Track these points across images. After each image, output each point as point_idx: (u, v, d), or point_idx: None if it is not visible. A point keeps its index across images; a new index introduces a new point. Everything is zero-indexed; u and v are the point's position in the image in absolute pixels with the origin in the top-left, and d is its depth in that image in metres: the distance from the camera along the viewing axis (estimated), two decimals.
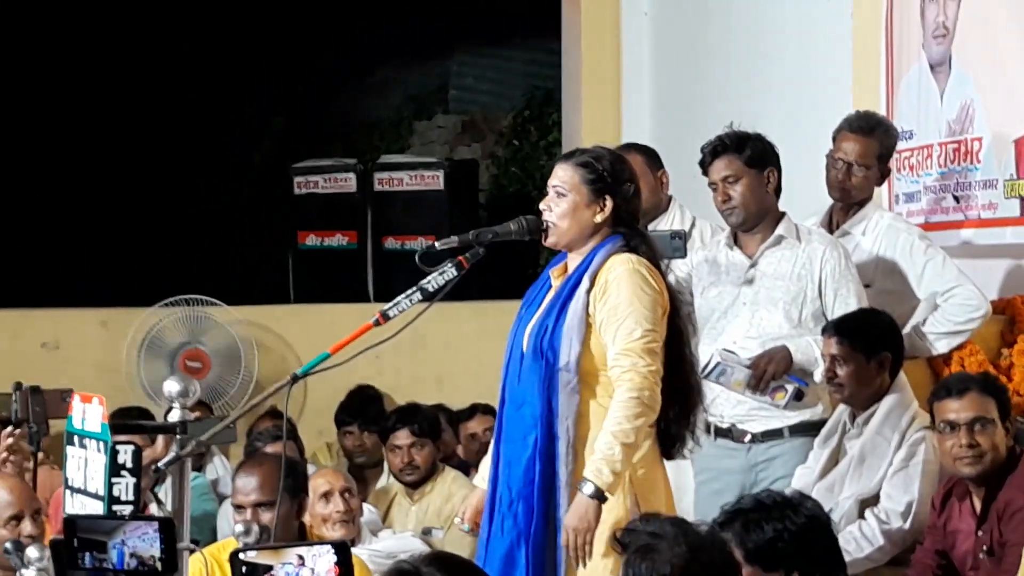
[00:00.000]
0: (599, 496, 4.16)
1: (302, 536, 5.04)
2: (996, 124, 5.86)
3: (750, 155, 5.24)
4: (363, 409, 7.57)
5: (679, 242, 4.79)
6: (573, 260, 4.43)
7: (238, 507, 5.06)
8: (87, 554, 3.01)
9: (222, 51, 11.08)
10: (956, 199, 6.06)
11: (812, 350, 5.17)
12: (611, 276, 4.29)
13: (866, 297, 5.25)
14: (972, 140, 5.98)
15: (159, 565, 2.98)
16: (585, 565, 4.18)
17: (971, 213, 5.99)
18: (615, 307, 4.26)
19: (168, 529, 2.99)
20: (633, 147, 5.94)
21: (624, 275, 4.28)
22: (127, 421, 5.64)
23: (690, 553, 3.29)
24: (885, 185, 6.32)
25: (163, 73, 10.89)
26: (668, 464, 4.51)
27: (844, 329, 5.07)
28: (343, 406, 7.68)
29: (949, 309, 5.42)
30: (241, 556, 3.03)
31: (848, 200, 5.59)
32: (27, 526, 4.85)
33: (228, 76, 11.15)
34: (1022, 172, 5.71)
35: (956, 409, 4.62)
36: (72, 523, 3.04)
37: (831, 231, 5.55)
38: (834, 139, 5.61)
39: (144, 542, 3.00)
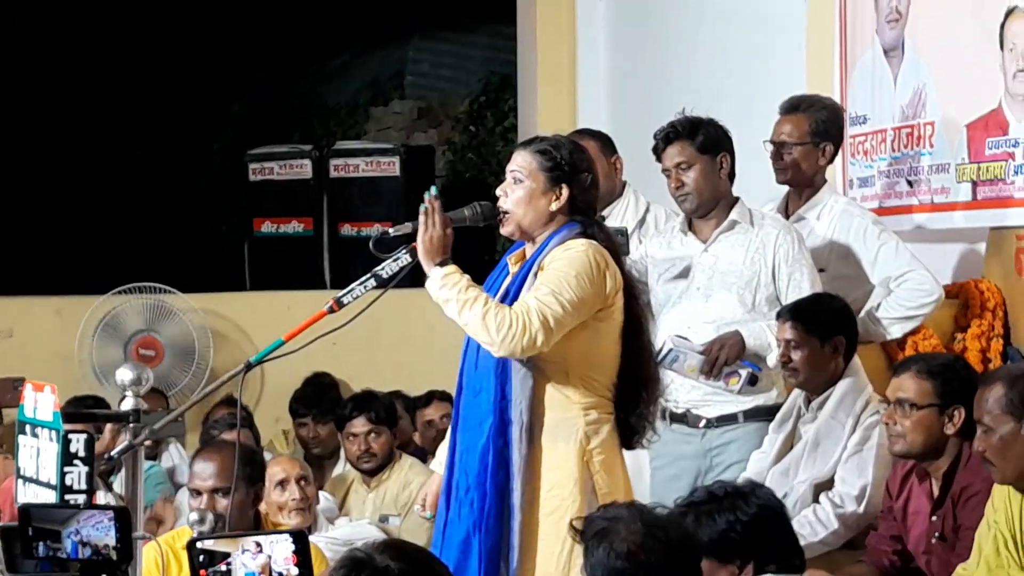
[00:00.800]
0: (439, 267, 4.23)
1: (258, 525, 5.03)
2: (948, 109, 5.89)
3: (702, 141, 5.25)
4: (317, 399, 7.54)
5: (622, 239, 4.80)
6: (530, 248, 4.43)
7: (195, 492, 5.05)
8: (41, 543, 2.99)
9: (179, 38, 11.04)
10: (909, 183, 6.09)
11: (765, 335, 5.18)
12: (559, 253, 4.28)
13: (820, 281, 5.27)
14: (924, 124, 6.01)
15: (114, 554, 2.96)
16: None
17: (924, 197, 6.01)
18: (544, 271, 4.26)
19: (123, 518, 2.98)
20: (587, 132, 5.95)
21: (568, 254, 4.26)
22: (80, 410, 5.63)
23: (646, 530, 3.31)
24: (839, 170, 6.36)
25: (120, 61, 10.84)
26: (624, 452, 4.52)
27: (798, 313, 5.08)
28: (297, 396, 7.65)
29: (902, 294, 5.45)
30: (199, 544, 3.02)
31: (792, 181, 5.60)
32: None
33: (185, 63, 11.11)
34: (973, 156, 5.74)
35: (891, 386, 4.64)
36: (26, 512, 3.03)
37: (787, 217, 5.57)
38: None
39: (99, 531, 2.99)
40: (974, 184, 5.73)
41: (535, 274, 4.30)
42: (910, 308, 5.44)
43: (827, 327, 5.07)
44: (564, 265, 4.24)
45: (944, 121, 5.89)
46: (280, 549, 3.00)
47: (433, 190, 4.31)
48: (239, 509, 4.85)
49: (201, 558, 3.00)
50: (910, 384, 4.57)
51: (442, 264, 4.26)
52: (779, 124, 5.61)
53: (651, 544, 3.30)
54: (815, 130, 5.55)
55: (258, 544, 3.00)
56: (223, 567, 2.99)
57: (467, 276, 4.26)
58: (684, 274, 5.33)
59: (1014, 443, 4.06)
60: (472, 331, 4.24)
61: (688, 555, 3.37)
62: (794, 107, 5.62)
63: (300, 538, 3.01)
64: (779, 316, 5.13)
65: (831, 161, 5.64)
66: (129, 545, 3.00)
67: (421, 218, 4.27)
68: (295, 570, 3.00)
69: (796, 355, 5.06)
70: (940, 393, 4.53)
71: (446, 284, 4.23)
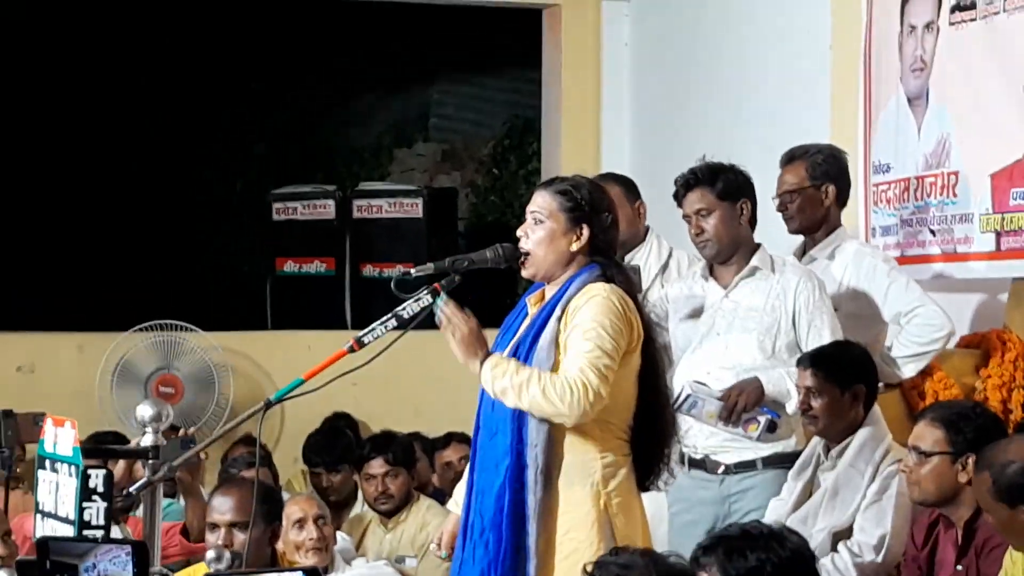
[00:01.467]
0: (486, 360, 4.22)
1: (274, 563, 5.02)
2: (972, 158, 5.89)
3: (723, 188, 5.25)
4: (329, 447, 7.44)
5: (635, 276, 4.79)
6: (550, 289, 4.43)
7: (212, 526, 5.06)
8: None
9: (204, 77, 11.09)
10: (932, 232, 6.08)
11: (784, 382, 5.17)
12: (582, 302, 4.28)
13: (840, 329, 5.26)
14: (948, 174, 6.01)
15: None
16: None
17: (948, 247, 6.00)
18: (577, 326, 4.25)
19: (141, 553, 2.98)
20: (611, 177, 5.96)
21: (594, 301, 4.27)
22: (101, 446, 5.63)
23: None
24: (861, 218, 6.36)
25: (144, 99, 10.89)
26: (644, 496, 4.50)
27: (819, 361, 5.08)
28: (309, 444, 7.59)
29: (912, 330, 5.44)
30: None
31: (803, 229, 5.62)
32: None
33: (209, 102, 11.15)
34: (997, 206, 5.73)
35: (911, 435, 4.64)
36: (45, 545, 3.03)
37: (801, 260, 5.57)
38: None
39: (116, 566, 2.99)
40: (998, 234, 5.72)
41: (558, 319, 4.30)
42: (921, 344, 5.43)
43: (847, 375, 5.06)
44: (596, 315, 4.23)
45: (968, 170, 5.89)
46: None
47: (442, 296, 4.31)
48: (256, 546, 4.85)
49: None
50: (924, 432, 4.57)
51: (485, 358, 4.25)
52: (780, 177, 5.65)
53: None
54: (813, 174, 5.58)
55: None
56: None
57: (513, 359, 4.24)
58: (697, 314, 5.33)
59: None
60: (538, 411, 4.20)
61: None
62: (791, 157, 5.66)
63: (312, 574, 3.00)
64: (799, 363, 5.12)
65: (840, 203, 5.63)
66: None
67: (444, 324, 4.27)
68: None
69: (816, 403, 5.05)
70: (953, 441, 4.52)
71: (496, 376, 4.22)
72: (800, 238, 5.70)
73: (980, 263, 5.84)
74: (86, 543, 3.05)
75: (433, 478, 7.52)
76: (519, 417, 4.27)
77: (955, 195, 5.95)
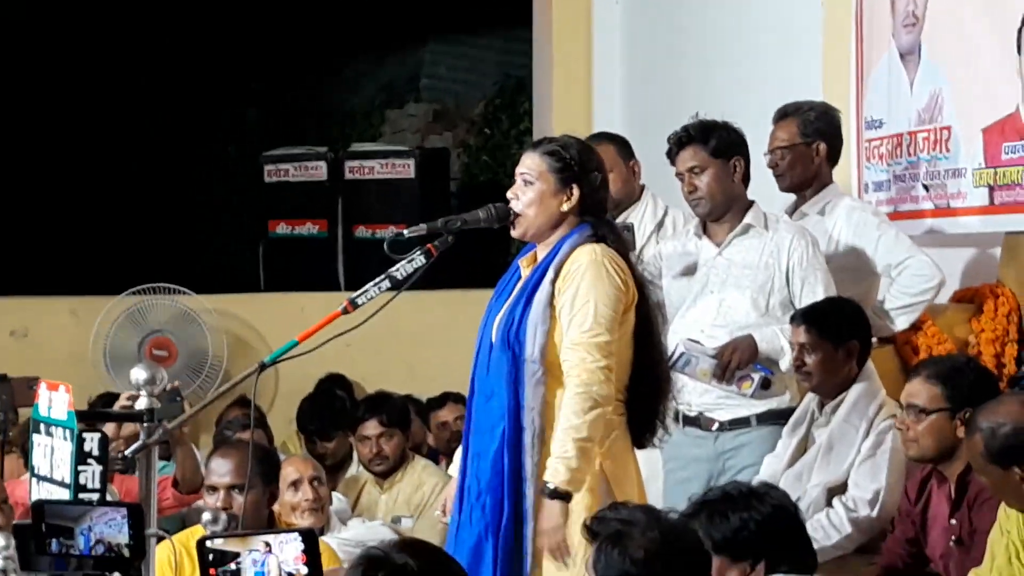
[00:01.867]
0: (559, 495, 4.17)
1: (272, 525, 5.04)
2: (964, 113, 5.88)
3: (715, 145, 5.25)
4: (323, 413, 7.42)
5: (628, 235, 4.79)
6: (542, 250, 4.43)
7: (211, 489, 5.08)
8: (54, 540, 2.99)
9: (195, 41, 11.04)
10: (926, 188, 6.08)
11: (778, 339, 5.18)
12: (575, 267, 4.28)
13: (834, 286, 5.26)
14: (941, 129, 6.00)
15: (127, 552, 2.96)
16: (566, 565, 4.18)
17: (940, 202, 6.00)
18: (572, 297, 4.25)
19: (137, 515, 2.98)
20: (605, 137, 5.96)
21: (587, 266, 4.27)
22: (97, 409, 5.64)
23: (662, 539, 3.29)
24: (854, 174, 6.36)
25: (136, 62, 10.85)
26: (638, 452, 4.51)
27: (812, 317, 5.08)
28: (302, 411, 7.57)
29: (903, 282, 5.45)
30: (208, 544, 3.02)
31: (793, 187, 5.61)
32: None
33: (201, 65, 11.11)
34: (990, 161, 5.73)
35: (904, 391, 4.64)
36: (40, 508, 3.03)
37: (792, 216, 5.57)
38: None
39: (112, 528, 2.98)
40: (991, 189, 5.72)
41: (551, 281, 4.30)
42: (912, 295, 5.44)
43: (841, 331, 5.07)
44: (590, 284, 4.24)
45: (961, 126, 5.88)
46: (289, 548, 3.00)
47: None
48: (254, 507, 4.87)
49: (211, 557, 3.00)
50: (920, 389, 4.56)
51: (560, 495, 4.20)
52: (772, 134, 5.64)
53: (667, 552, 3.30)
54: (805, 131, 5.57)
55: (267, 544, 2.99)
56: (232, 566, 2.99)
57: (556, 465, 4.18)
58: (690, 271, 5.33)
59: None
60: (595, 428, 4.19)
61: (701, 563, 3.36)
62: (783, 114, 5.64)
63: (309, 537, 3.01)
64: (793, 320, 5.12)
65: (831, 160, 5.61)
66: (142, 542, 3.00)
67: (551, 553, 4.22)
68: (304, 569, 2.99)
69: (810, 359, 5.06)
70: (950, 397, 4.52)
71: (570, 468, 4.17)
72: (792, 196, 5.69)
73: (973, 218, 5.85)
74: (81, 506, 3.05)
75: (428, 438, 7.52)
76: (516, 381, 4.28)
77: (948, 150, 5.95)
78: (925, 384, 4.56)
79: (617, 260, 4.31)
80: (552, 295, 4.29)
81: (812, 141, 5.56)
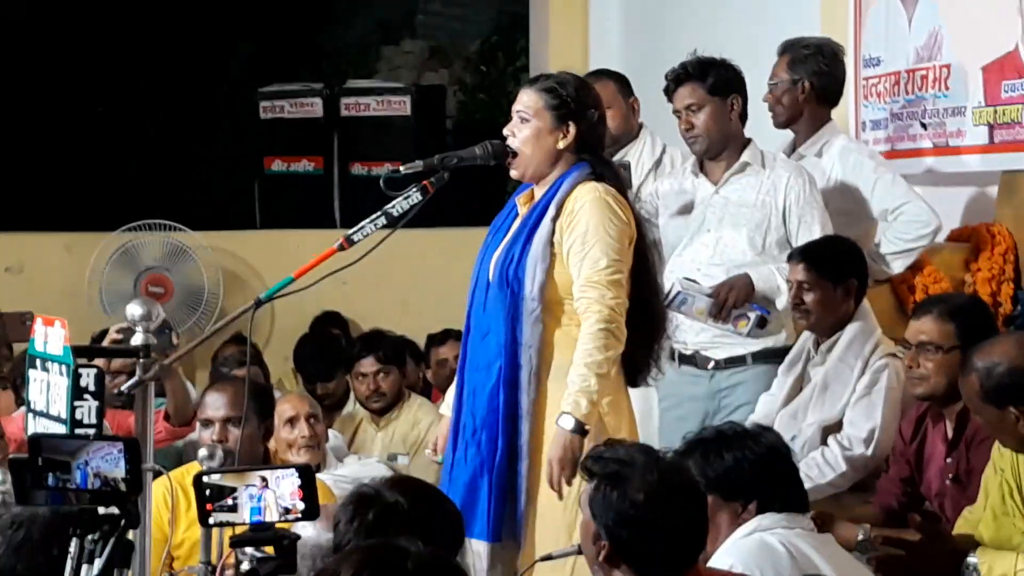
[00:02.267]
0: (579, 429, 4.15)
1: (267, 461, 5.05)
2: (963, 51, 5.85)
3: (713, 83, 5.22)
4: (320, 355, 7.39)
5: (625, 173, 4.78)
6: (539, 188, 4.41)
7: (207, 422, 5.08)
8: (50, 474, 2.99)
9: None
10: (924, 126, 6.06)
11: (774, 278, 5.18)
12: (578, 204, 4.27)
13: (831, 224, 5.25)
14: (940, 67, 5.97)
15: (123, 486, 2.96)
16: (561, 496, 4.18)
17: (939, 140, 5.98)
18: (582, 235, 4.25)
19: (133, 449, 2.98)
20: (605, 73, 5.93)
21: (592, 204, 4.26)
22: (93, 345, 5.63)
23: (660, 480, 3.30)
24: (851, 112, 6.33)
25: (128, 1, 10.77)
26: (635, 391, 4.52)
27: (811, 256, 5.07)
28: (299, 353, 7.55)
29: (899, 227, 5.44)
30: (205, 479, 3.02)
31: (779, 123, 5.58)
32: None
33: (194, 2, 11.03)
34: (989, 99, 5.70)
35: (911, 329, 4.61)
36: (37, 442, 3.03)
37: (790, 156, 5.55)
38: None
39: (108, 463, 2.98)
40: (990, 127, 5.70)
41: (552, 219, 4.29)
42: (908, 240, 5.43)
43: (840, 269, 5.06)
44: (598, 221, 4.23)
45: (959, 64, 5.85)
46: (286, 484, 3.00)
47: None
48: (249, 442, 4.89)
49: (208, 492, 3.00)
50: (932, 327, 4.53)
51: (572, 426, 4.17)
52: (773, 68, 5.61)
53: (666, 493, 3.31)
54: (792, 68, 5.53)
55: (264, 479, 2.99)
56: (229, 501, 2.99)
57: (577, 398, 4.17)
58: (687, 210, 5.32)
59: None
60: (612, 359, 4.19)
61: (698, 504, 3.38)
62: (782, 49, 5.61)
63: (306, 472, 3.01)
64: (791, 258, 5.12)
65: (821, 100, 5.53)
66: (139, 477, 3.00)
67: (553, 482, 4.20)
68: (301, 504, 3.00)
69: (808, 297, 5.05)
70: (962, 335, 4.49)
71: (583, 404, 4.15)
72: (790, 134, 5.67)
73: (973, 156, 5.83)
74: (78, 440, 3.04)
75: (428, 374, 7.53)
76: (514, 318, 4.27)
77: (947, 88, 5.92)
78: (937, 322, 4.53)
79: (618, 198, 4.31)
80: (552, 232, 4.29)
81: (798, 79, 5.52)
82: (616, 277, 4.22)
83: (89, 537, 3.02)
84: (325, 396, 7.18)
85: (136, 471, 2.97)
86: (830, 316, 5.07)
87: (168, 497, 4.62)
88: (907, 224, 5.42)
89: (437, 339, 7.52)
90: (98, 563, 2.99)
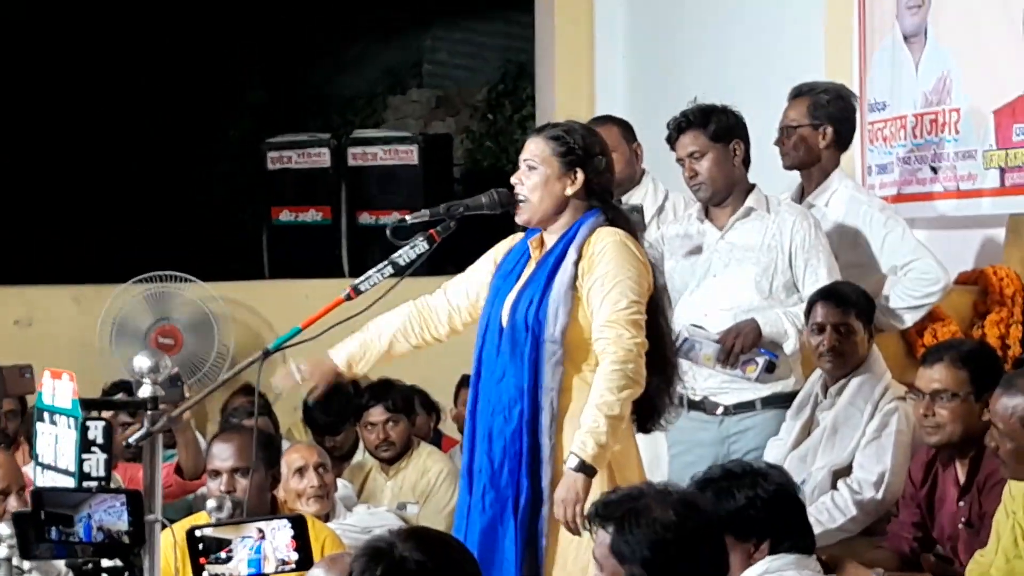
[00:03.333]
0: (585, 469, 4.14)
1: (275, 511, 5.03)
2: (974, 95, 5.86)
3: (715, 129, 5.23)
4: (328, 409, 7.34)
5: (637, 216, 4.79)
6: (549, 234, 4.41)
7: (214, 473, 5.07)
8: (53, 528, 2.98)
9: (198, 27, 11.02)
10: (933, 169, 6.06)
11: (781, 322, 5.17)
12: (599, 248, 4.28)
13: (837, 267, 5.24)
14: (949, 111, 5.98)
15: (126, 538, 2.95)
16: (580, 535, 4.17)
17: (949, 184, 5.98)
18: (602, 277, 4.25)
19: (135, 502, 2.97)
20: (608, 119, 5.95)
21: (612, 246, 4.27)
22: (101, 398, 5.63)
23: (682, 502, 3.29)
24: (857, 157, 6.34)
25: (137, 49, 10.83)
26: (643, 437, 4.51)
27: (844, 299, 5.04)
28: (307, 406, 7.53)
29: (908, 284, 5.43)
30: (197, 532, 3.01)
31: (796, 165, 5.57)
32: (12, 502, 4.86)
33: (203, 51, 11.10)
34: (1001, 143, 5.71)
35: (923, 377, 4.59)
36: (39, 496, 3.02)
37: (799, 203, 5.54)
38: None
39: (111, 516, 2.97)
40: (1002, 171, 5.70)
41: (575, 262, 4.29)
42: (916, 297, 5.42)
43: (868, 313, 5.07)
44: (619, 264, 4.25)
45: (970, 107, 5.86)
46: (280, 535, 2.99)
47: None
48: (257, 491, 4.87)
49: (200, 546, 2.99)
50: (945, 374, 4.52)
51: (584, 467, 4.16)
52: (785, 111, 5.61)
53: (691, 513, 3.30)
54: (814, 113, 5.53)
55: (260, 531, 2.98)
56: (223, 555, 2.98)
57: (585, 439, 4.16)
58: (697, 251, 5.32)
59: None
60: (628, 400, 4.19)
61: (718, 524, 3.38)
62: (797, 93, 5.61)
63: (298, 523, 3.00)
64: (822, 302, 5.06)
65: (839, 146, 5.56)
66: (141, 529, 2.99)
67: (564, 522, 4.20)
68: (295, 555, 2.98)
69: (847, 341, 5.02)
70: (975, 381, 4.49)
71: (595, 449, 4.15)
72: (796, 179, 5.67)
73: (985, 200, 5.83)
74: (81, 493, 3.03)
75: (453, 414, 7.49)
76: (535, 361, 4.26)
77: (957, 132, 5.93)
78: (950, 369, 4.52)
79: (636, 242, 4.34)
80: (575, 276, 4.29)
81: (820, 124, 5.53)
82: (636, 318, 4.23)
83: None
84: (334, 449, 7.15)
85: (139, 523, 2.96)
86: (855, 358, 5.06)
87: (175, 549, 4.60)
88: (916, 281, 5.41)
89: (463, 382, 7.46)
90: None
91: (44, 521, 2.98)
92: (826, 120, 5.52)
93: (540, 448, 4.26)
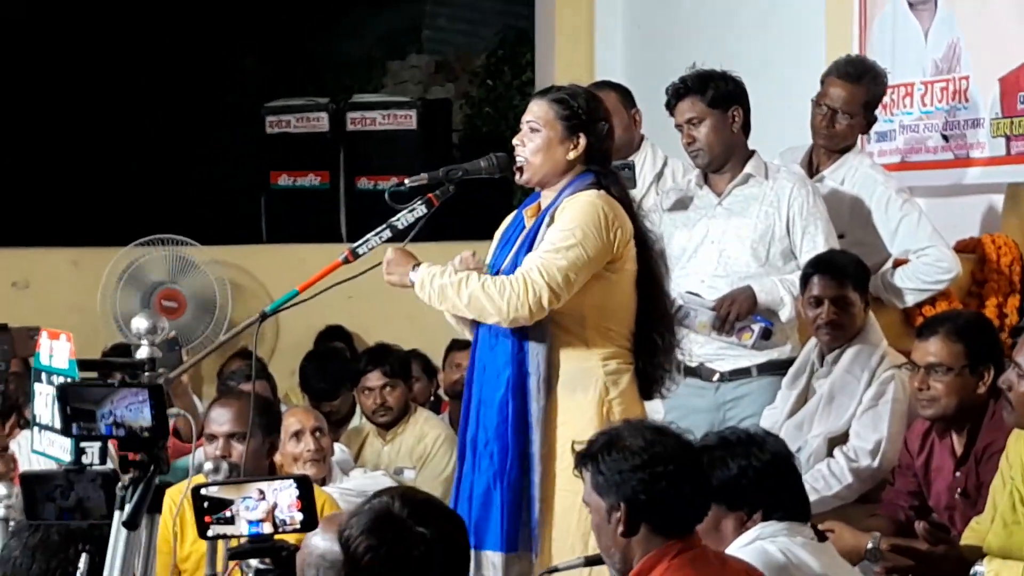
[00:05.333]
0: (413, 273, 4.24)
1: (272, 475, 5.04)
2: (982, 62, 5.84)
3: (713, 95, 5.21)
4: (325, 374, 7.36)
5: (629, 172, 4.77)
6: (546, 198, 4.41)
7: (211, 437, 5.08)
8: (75, 423, 2.99)
9: None
10: (945, 138, 6.04)
11: (777, 290, 5.16)
12: (566, 204, 4.27)
13: (835, 234, 5.24)
14: (960, 79, 5.96)
15: (148, 434, 2.97)
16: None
17: (959, 152, 5.97)
18: (554, 227, 4.24)
19: (158, 397, 2.97)
20: (607, 85, 5.93)
21: (576, 206, 4.24)
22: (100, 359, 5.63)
23: (654, 431, 3.38)
24: None
25: (135, 13, 10.79)
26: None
27: (840, 271, 5.03)
28: (304, 372, 7.52)
29: (920, 267, 5.41)
30: (203, 491, 3.01)
31: (831, 147, 5.54)
32: None
33: (200, 16, 11.06)
34: (1007, 111, 5.70)
35: (919, 350, 4.59)
36: (64, 392, 3.02)
37: (811, 174, 5.52)
38: (822, 83, 5.55)
39: (133, 412, 2.98)
40: (1007, 139, 5.69)
41: (547, 225, 4.29)
42: (926, 282, 5.42)
43: (864, 282, 5.06)
44: (570, 219, 4.22)
45: (978, 75, 5.84)
46: (284, 496, 2.99)
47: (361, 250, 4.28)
48: (254, 457, 4.88)
49: (206, 505, 2.99)
50: (941, 348, 4.50)
51: (416, 267, 4.25)
52: (834, 87, 5.49)
53: (663, 440, 3.37)
54: (868, 103, 5.49)
55: (261, 491, 2.98)
56: (227, 513, 2.98)
57: (449, 265, 4.25)
58: (682, 205, 5.31)
59: None
60: (475, 308, 4.20)
61: (693, 449, 3.46)
62: (857, 76, 5.51)
63: (304, 483, 3.00)
64: (818, 272, 5.04)
65: (867, 131, 5.58)
66: (164, 424, 2.99)
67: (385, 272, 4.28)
68: (299, 516, 2.99)
69: (845, 313, 5.00)
70: (971, 354, 4.48)
71: (434, 274, 4.22)
72: (795, 143, 5.65)
73: (991, 168, 5.82)
74: (103, 388, 3.03)
75: (441, 377, 7.50)
76: (521, 326, 4.26)
77: (966, 100, 5.91)
78: (946, 342, 4.50)
79: (613, 206, 4.27)
80: None
81: (868, 113, 5.50)
82: (556, 265, 4.15)
83: (120, 483, 3.02)
84: (331, 413, 7.16)
85: (162, 418, 2.97)
86: (853, 330, 5.06)
87: (174, 509, 4.60)
88: (929, 267, 5.40)
89: (459, 344, 7.46)
90: (128, 507, 2.97)
91: (68, 417, 2.99)
92: (873, 108, 5.50)
93: (528, 413, 4.27)
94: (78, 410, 2.99)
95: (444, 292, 4.21)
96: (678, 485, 3.35)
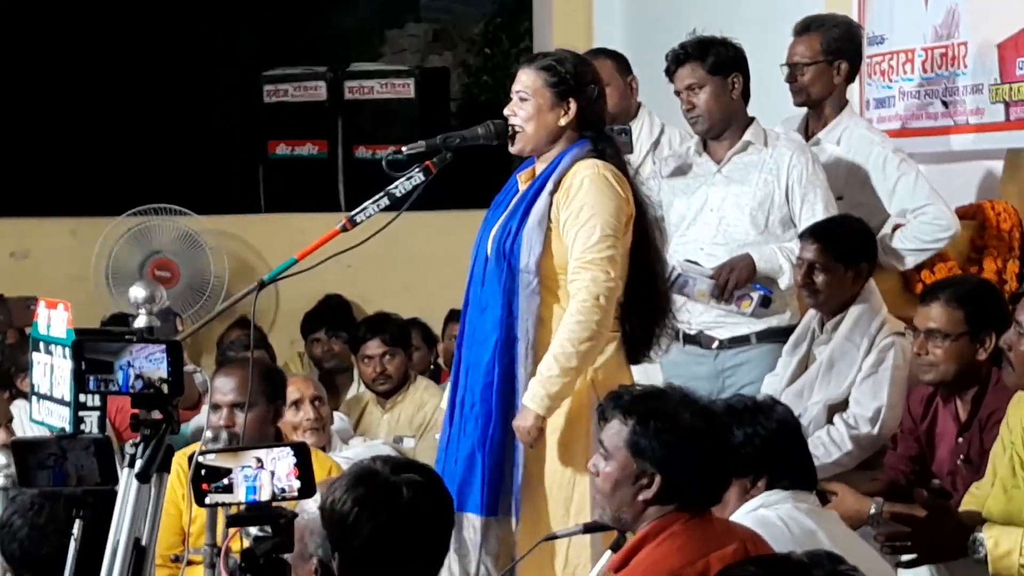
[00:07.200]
0: (534, 415, 4.20)
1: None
2: (980, 28, 5.82)
3: (713, 62, 5.20)
4: (330, 316, 7.53)
5: (626, 137, 4.77)
6: (540, 165, 4.41)
7: (215, 407, 5.08)
8: (92, 377, 2.97)
9: None
10: (945, 104, 6.03)
11: (776, 258, 5.16)
12: (576, 180, 4.28)
13: (834, 202, 5.23)
14: (958, 45, 5.94)
15: (165, 388, 2.97)
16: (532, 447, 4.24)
17: (959, 118, 5.96)
18: (577, 210, 4.25)
19: (176, 352, 2.97)
20: (603, 52, 5.91)
21: (590, 179, 4.26)
22: (100, 327, 5.63)
23: (704, 417, 3.39)
24: (856, 91, 6.30)
25: None
26: (638, 369, 4.51)
27: (824, 236, 5.02)
28: (309, 315, 7.64)
29: (918, 227, 5.40)
30: (201, 459, 3.01)
31: (808, 103, 5.54)
32: (1, 434, 4.88)
33: None
34: (1006, 76, 5.68)
35: (920, 315, 4.58)
36: (80, 345, 3.01)
37: (807, 139, 5.51)
38: None
39: (151, 364, 2.98)
40: (1007, 104, 5.68)
41: (551, 192, 4.28)
42: (925, 241, 5.41)
43: (853, 252, 5.04)
44: (594, 199, 4.23)
45: (977, 41, 5.82)
46: (282, 464, 2.98)
47: None
48: (260, 424, 4.88)
49: (203, 472, 2.99)
50: (941, 314, 4.50)
51: (546, 413, 4.24)
52: (792, 46, 5.55)
53: (711, 424, 3.40)
54: (827, 48, 5.49)
55: (259, 459, 2.98)
56: (225, 481, 2.98)
57: (536, 389, 4.22)
58: (681, 171, 5.30)
59: None
60: (592, 346, 4.22)
61: (721, 431, 3.50)
62: (806, 27, 5.55)
63: (302, 450, 2.99)
64: (803, 237, 5.07)
65: (849, 80, 5.56)
66: (180, 379, 2.98)
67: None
68: (297, 483, 2.98)
69: (819, 278, 5.01)
70: (971, 321, 4.47)
71: (544, 389, 4.21)
72: (798, 112, 5.64)
73: (991, 134, 5.80)
74: (121, 341, 3.02)
75: (440, 348, 7.53)
76: (510, 291, 4.28)
77: (965, 66, 5.89)
78: (946, 308, 4.50)
79: (617, 174, 4.30)
80: (550, 206, 4.28)
81: (834, 60, 5.48)
82: (610, 253, 4.22)
83: (130, 441, 3.02)
84: (330, 357, 7.23)
85: (178, 374, 2.97)
86: (838, 297, 5.05)
87: (181, 474, 4.61)
88: (927, 225, 5.38)
89: (455, 315, 7.49)
90: (139, 464, 2.98)
91: (85, 370, 2.98)
92: (839, 56, 5.48)
93: (516, 378, 4.28)
94: (95, 362, 2.97)
95: (570, 385, 4.21)
96: (712, 467, 3.37)
